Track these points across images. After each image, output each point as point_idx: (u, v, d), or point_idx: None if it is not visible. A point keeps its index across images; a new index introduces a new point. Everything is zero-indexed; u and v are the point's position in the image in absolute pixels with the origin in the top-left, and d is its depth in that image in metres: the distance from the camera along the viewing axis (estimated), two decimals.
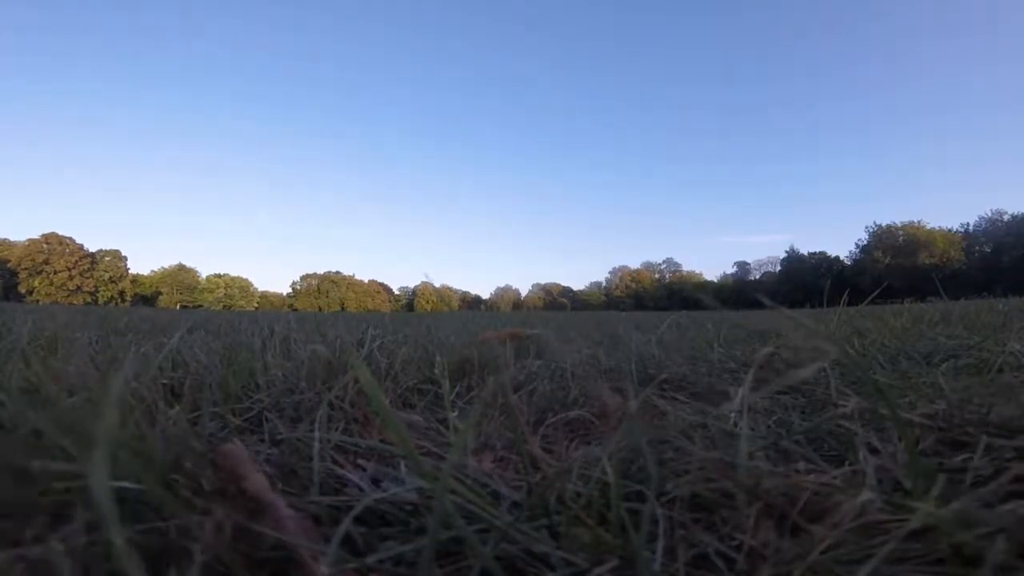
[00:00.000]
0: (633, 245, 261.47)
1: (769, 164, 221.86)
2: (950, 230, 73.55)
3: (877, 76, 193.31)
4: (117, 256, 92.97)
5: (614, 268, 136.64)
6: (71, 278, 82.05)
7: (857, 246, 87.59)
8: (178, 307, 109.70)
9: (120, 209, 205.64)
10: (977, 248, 69.29)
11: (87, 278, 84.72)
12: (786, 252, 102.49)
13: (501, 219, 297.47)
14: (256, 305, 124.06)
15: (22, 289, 78.16)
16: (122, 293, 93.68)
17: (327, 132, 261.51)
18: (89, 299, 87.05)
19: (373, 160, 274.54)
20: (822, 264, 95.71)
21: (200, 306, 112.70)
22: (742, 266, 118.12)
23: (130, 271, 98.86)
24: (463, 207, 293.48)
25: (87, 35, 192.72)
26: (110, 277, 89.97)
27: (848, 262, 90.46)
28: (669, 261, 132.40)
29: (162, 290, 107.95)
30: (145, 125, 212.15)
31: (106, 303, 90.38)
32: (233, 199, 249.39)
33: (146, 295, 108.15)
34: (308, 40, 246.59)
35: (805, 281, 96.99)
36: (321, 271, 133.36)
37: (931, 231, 73.72)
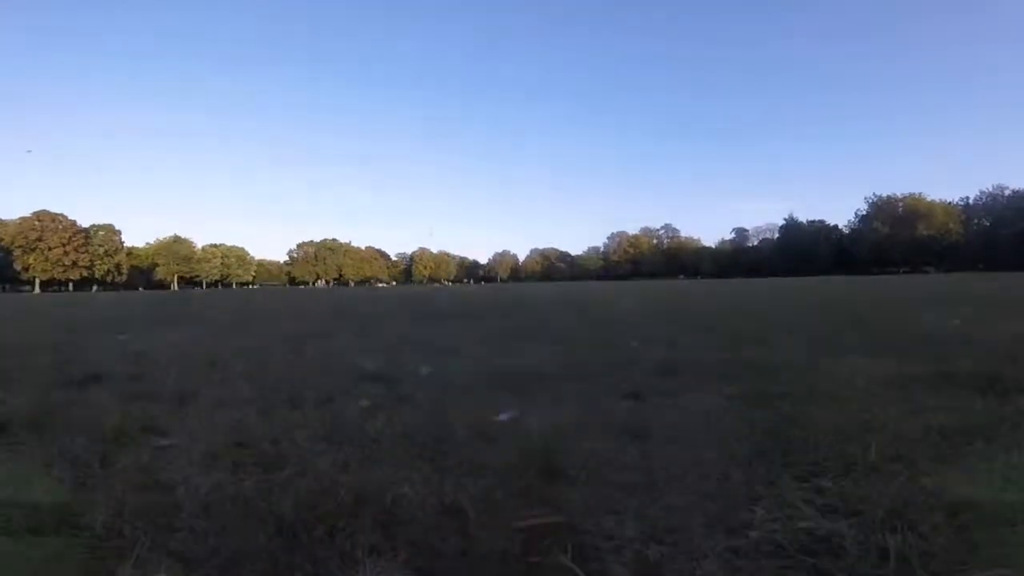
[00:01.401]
0: (632, 211, 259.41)
1: (772, 132, 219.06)
2: (950, 203, 73.33)
3: (885, 43, 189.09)
4: (111, 230, 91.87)
5: (612, 233, 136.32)
6: (66, 254, 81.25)
7: (856, 216, 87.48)
8: (175, 279, 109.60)
9: (111, 183, 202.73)
10: (976, 221, 69.29)
11: (82, 253, 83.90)
12: (784, 220, 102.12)
13: (500, 183, 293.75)
14: (253, 275, 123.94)
15: (17, 267, 77.53)
16: (118, 266, 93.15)
17: (321, 94, 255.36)
18: (86, 273, 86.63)
19: (370, 125, 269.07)
20: (820, 232, 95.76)
21: (197, 277, 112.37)
22: (740, 232, 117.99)
23: (125, 244, 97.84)
24: (461, 171, 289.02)
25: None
26: (105, 251, 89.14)
27: (847, 231, 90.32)
28: (667, 227, 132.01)
29: (159, 262, 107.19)
30: (130, 92, 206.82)
31: (103, 277, 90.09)
32: (225, 167, 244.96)
33: (142, 268, 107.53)
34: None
35: (803, 249, 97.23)
36: (318, 239, 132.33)
37: (931, 203, 73.48)
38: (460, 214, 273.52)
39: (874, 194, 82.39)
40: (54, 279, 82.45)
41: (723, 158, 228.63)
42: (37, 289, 77.84)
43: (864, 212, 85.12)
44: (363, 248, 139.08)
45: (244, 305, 20.78)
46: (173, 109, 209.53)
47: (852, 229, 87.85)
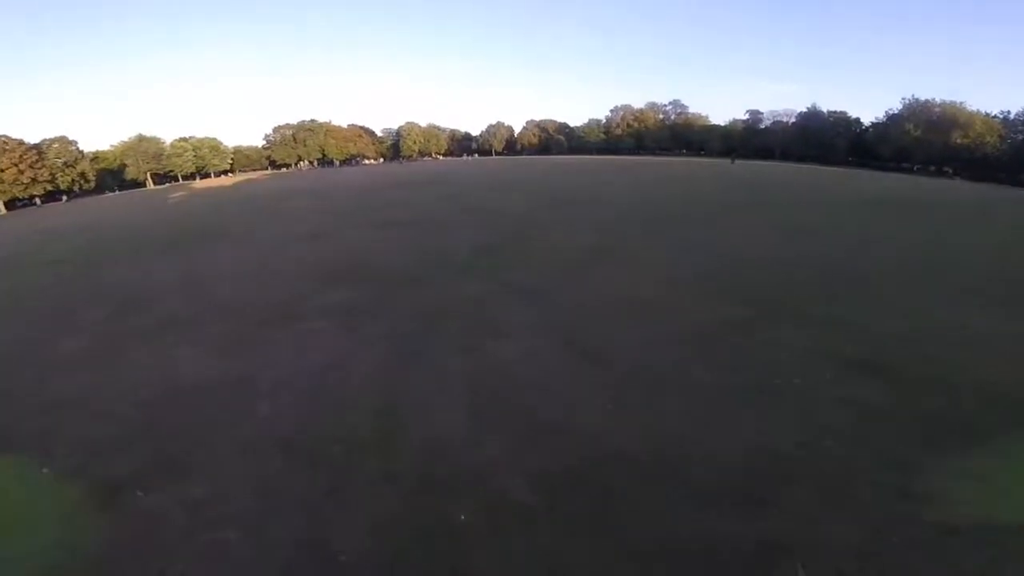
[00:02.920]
0: (639, 87, 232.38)
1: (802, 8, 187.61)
2: (990, 115, 65.03)
3: None
4: (65, 141, 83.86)
5: (616, 106, 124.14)
6: (21, 172, 75.35)
7: (886, 114, 78.32)
8: (148, 177, 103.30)
9: (58, 95, 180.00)
10: (1012, 137, 62.08)
11: (39, 169, 77.79)
12: (806, 108, 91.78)
13: (495, 51, 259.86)
14: (231, 163, 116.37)
15: None
16: (83, 175, 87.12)
17: None
18: (50, 187, 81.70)
19: None
20: (840, 124, 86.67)
21: (171, 172, 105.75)
22: (754, 114, 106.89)
23: (86, 151, 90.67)
24: (452, 39, 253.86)
25: None
26: (64, 162, 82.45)
27: (871, 128, 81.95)
28: (675, 103, 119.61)
29: (127, 163, 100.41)
30: None
31: (70, 187, 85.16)
32: (186, 54, 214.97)
33: (112, 169, 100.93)
34: None
35: (821, 139, 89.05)
36: (294, 121, 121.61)
37: (972, 114, 65.08)
38: (451, 87, 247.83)
39: (912, 96, 72.87)
40: (16, 198, 78.00)
41: (744, 30, 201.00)
42: (2, 209, 74.41)
43: (896, 112, 76.11)
44: (345, 126, 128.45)
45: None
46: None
47: (878, 126, 79.34)
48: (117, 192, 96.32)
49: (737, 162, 79.67)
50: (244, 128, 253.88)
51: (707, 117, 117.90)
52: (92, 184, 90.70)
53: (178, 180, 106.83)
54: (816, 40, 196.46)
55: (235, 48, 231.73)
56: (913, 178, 60.79)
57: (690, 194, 35.73)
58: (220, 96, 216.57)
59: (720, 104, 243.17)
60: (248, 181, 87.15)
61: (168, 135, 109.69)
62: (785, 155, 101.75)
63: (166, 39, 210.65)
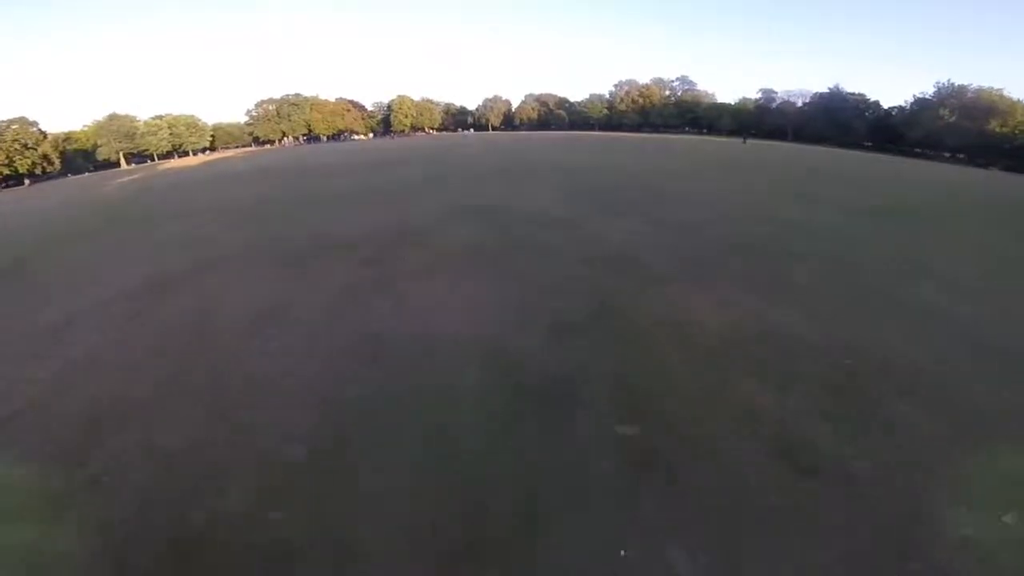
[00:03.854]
0: (642, 62, 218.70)
1: None
2: None
3: None
4: (24, 122, 78.21)
5: (620, 81, 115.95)
6: None
7: (915, 98, 71.19)
8: (121, 157, 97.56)
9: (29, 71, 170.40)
10: None
11: None
12: (828, 88, 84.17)
13: (491, 18, 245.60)
14: (211, 140, 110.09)
15: None
16: (46, 157, 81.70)
17: None
18: (6, 171, 76.60)
19: None
20: (860, 105, 79.59)
21: (146, 151, 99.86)
22: (767, 93, 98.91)
23: (59, 132, 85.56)
24: (444, 7, 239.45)
25: None
26: (23, 144, 77.06)
27: (898, 112, 74.92)
28: (683, 79, 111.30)
29: (100, 142, 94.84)
30: None
31: (31, 170, 79.95)
32: (166, 27, 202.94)
33: (86, 150, 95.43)
34: None
35: (841, 119, 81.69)
36: (278, 95, 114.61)
37: (1013, 102, 58.00)
38: (446, 58, 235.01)
39: (948, 80, 65.51)
40: None
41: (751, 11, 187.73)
42: None
43: (926, 95, 68.91)
44: (333, 100, 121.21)
45: None
46: None
47: (908, 111, 72.32)
48: (88, 174, 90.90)
49: (749, 142, 73.18)
50: (232, 104, 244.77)
51: (714, 95, 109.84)
52: (57, 167, 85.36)
53: (153, 159, 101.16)
54: (833, 24, 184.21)
55: (219, 20, 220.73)
56: (959, 168, 54.53)
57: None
58: (204, 72, 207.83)
59: (728, 84, 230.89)
60: (219, 159, 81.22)
61: (148, 114, 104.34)
62: (798, 136, 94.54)
63: (142, 10, 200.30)
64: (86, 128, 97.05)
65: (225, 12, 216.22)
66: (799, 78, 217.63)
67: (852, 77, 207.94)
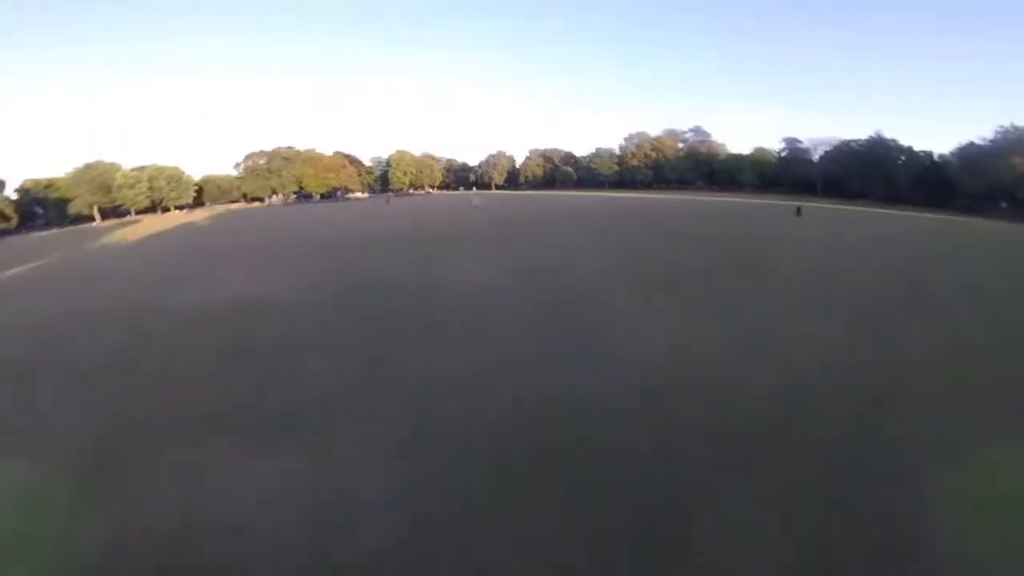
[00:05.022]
0: (651, 110, 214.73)
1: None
2: None
3: None
4: None
5: (630, 134, 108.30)
6: None
7: (968, 143, 61.14)
8: (96, 211, 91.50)
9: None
10: None
11: None
12: (872, 135, 74.32)
13: (494, 71, 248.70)
14: (196, 194, 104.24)
15: None
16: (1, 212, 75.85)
17: None
18: None
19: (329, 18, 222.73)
20: (905, 155, 69.35)
21: (121, 206, 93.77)
22: (792, 143, 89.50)
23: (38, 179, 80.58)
24: (447, 59, 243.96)
25: None
26: None
27: (948, 160, 64.53)
28: (697, 129, 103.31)
29: (74, 194, 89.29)
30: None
31: None
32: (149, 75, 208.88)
33: (66, 199, 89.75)
34: None
35: (883, 171, 70.82)
36: (271, 147, 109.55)
37: None
38: (448, 112, 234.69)
39: (1012, 124, 55.55)
40: None
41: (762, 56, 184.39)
42: None
43: (986, 141, 58.58)
44: (330, 154, 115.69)
45: None
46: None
47: (963, 159, 61.58)
48: (47, 232, 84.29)
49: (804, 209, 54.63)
50: (228, 154, 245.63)
51: (724, 146, 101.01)
52: (13, 222, 79.19)
53: (130, 215, 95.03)
54: (854, 70, 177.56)
55: (221, 62, 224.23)
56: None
57: None
58: (200, 121, 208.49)
59: (742, 131, 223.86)
60: (176, 226, 72.34)
61: (138, 162, 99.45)
62: (829, 191, 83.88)
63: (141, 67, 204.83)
64: (68, 175, 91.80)
65: (226, 67, 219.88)
66: (803, 124, 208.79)
67: (866, 125, 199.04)
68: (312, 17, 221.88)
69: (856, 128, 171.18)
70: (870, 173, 71.19)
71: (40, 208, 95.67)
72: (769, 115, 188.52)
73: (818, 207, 56.46)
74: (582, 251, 27.44)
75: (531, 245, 30.59)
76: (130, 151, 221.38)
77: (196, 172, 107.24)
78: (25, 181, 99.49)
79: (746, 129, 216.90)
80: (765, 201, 66.82)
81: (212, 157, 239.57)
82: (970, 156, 59.97)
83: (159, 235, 55.73)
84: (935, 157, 68.65)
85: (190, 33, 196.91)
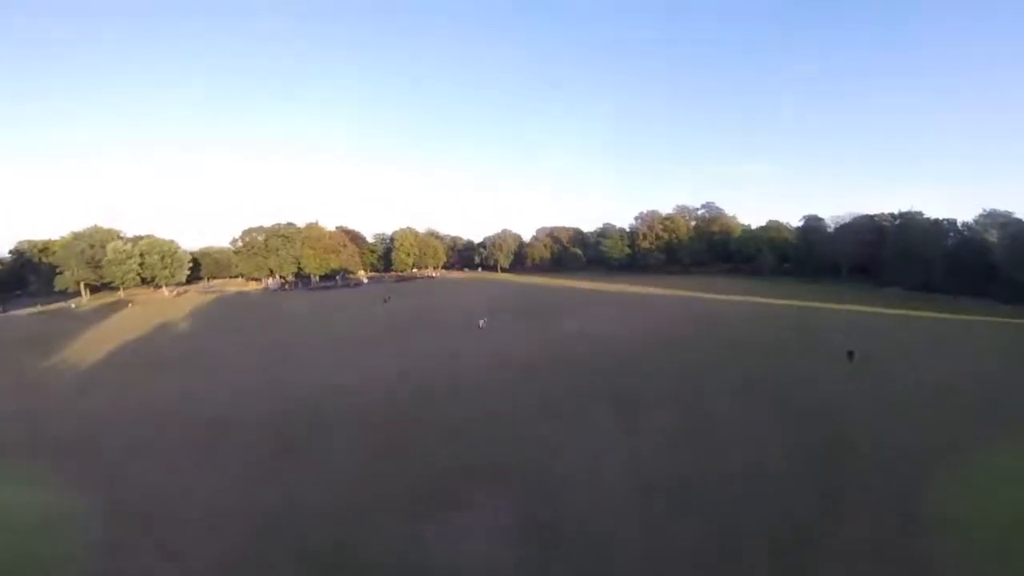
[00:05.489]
0: (659, 184, 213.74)
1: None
2: None
3: None
4: None
5: (641, 213, 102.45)
6: None
7: (996, 210, 52.83)
8: (81, 287, 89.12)
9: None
10: None
11: None
12: (904, 210, 65.90)
13: (500, 151, 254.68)
14: (191, 269, 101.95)
15: None
16: None
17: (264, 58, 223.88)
18: None
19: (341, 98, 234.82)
20: (942, 232, 60.18)
21: (110, 283, 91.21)
22: (813, 220, 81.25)
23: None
24: (452, 139, 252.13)
25: None
26: None
27: (984, 242, 55.36)
28: (709, 205, 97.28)
29: (65, 266, 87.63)
30: None
31: None
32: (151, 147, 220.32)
33: (56, 265, 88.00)
34: None
35: (919, 255, 61.09)
36: (268, 224, 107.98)
37: None
38: (454, 187, 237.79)
39: None
40: None
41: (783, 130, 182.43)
42: None
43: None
44: (332, 229, 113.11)
45: None
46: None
47: (1003, 243, 52.26)
48: (22, 312, 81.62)
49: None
50: (229, 226, 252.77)
51: (750, 225, 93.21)
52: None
53: (119, 291, 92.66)
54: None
55: (232, 143, 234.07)
56: None
57: None
58: (203, 192, 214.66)
59: (754, 204, 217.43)
60: (120, 322, 66.76)
61: (139, 230, 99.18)
62: (854, 272, 74.11)
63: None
64: (63, 239, 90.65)
65: (232, 138, 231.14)
66: (808, 198, 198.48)
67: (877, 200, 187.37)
68: (320, 100, 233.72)
69: (867, 191, 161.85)
70: (906, 263, 61.73)
71: (33, 275, 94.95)
72: (781, 181, 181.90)
73: (860, 312, 46.36)
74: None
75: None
76: (131, 216, 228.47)
77: (196, 239, 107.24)
78: (20, 242, 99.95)
79: (759, 198, 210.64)
80: (793, 302, 54.99)
81: (212, 225, 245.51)
82: (1017, 238, 50.20)
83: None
84: (961, 230, 59.37)
85: (197, 108, 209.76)
